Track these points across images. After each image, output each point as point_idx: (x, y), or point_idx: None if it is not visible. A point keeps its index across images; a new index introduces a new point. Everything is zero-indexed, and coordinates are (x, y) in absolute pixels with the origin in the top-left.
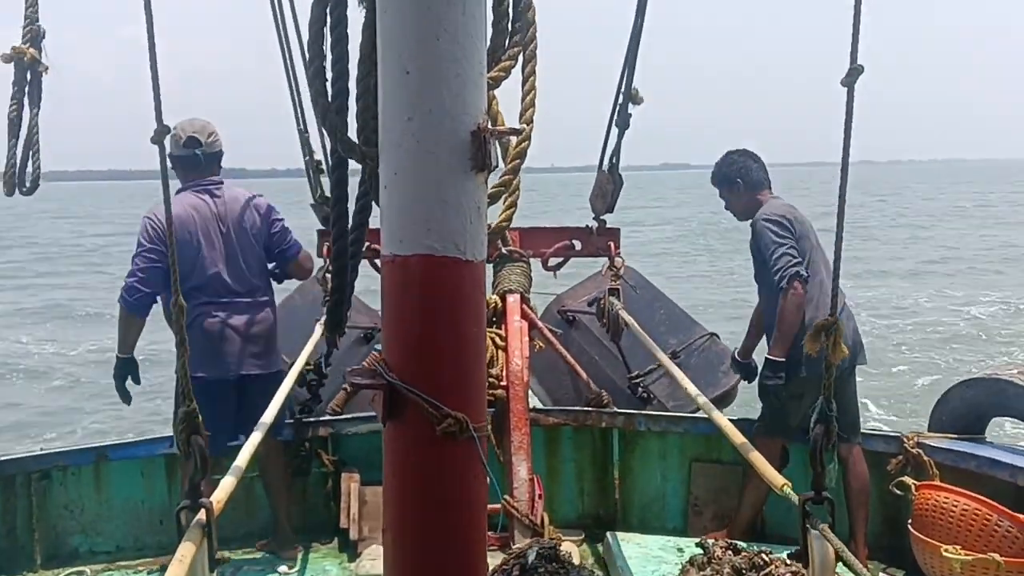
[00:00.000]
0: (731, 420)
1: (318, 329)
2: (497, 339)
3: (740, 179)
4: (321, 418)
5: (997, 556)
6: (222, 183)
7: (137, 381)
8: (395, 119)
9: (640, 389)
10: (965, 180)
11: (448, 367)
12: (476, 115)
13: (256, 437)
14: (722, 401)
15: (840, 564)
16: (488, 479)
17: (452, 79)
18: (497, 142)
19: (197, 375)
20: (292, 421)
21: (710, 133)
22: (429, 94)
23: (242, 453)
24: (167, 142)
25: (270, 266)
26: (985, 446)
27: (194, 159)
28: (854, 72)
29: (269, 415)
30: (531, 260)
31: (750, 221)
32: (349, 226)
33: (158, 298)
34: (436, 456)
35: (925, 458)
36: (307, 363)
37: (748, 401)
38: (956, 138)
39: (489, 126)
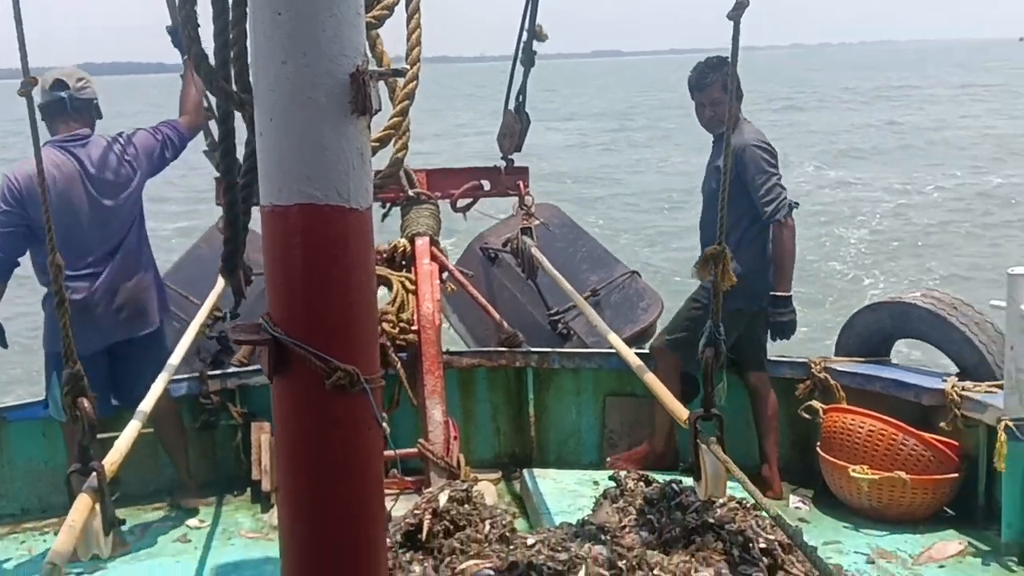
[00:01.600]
0: (639, 354)
1: (220, 281)
2: (407, 283)
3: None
4: (227, 370)
5: (903, 474)
6: (89, 136)
7: (4, 345)
8: (268, 63)
9: (560, 326)
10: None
11: (336, 320)
12: (354, 56)
13: (151, 395)
14: (641, 337)
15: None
16: (385, 430)
17: (327, 19)
18: (383, 84)
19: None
20: (197, 375)
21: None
22: (303, 36)
23: (137, 412)
24: (35, 93)
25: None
26: (890, 368)
27: (60, 104)
28: (740, 7)
29: (163, 372)
30: (440, 202)
31: (739, 144)
32: (239, 174)
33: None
34: (327, 411)
35: (832, 382)
36: (213, 314)
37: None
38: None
39: (370, 67)
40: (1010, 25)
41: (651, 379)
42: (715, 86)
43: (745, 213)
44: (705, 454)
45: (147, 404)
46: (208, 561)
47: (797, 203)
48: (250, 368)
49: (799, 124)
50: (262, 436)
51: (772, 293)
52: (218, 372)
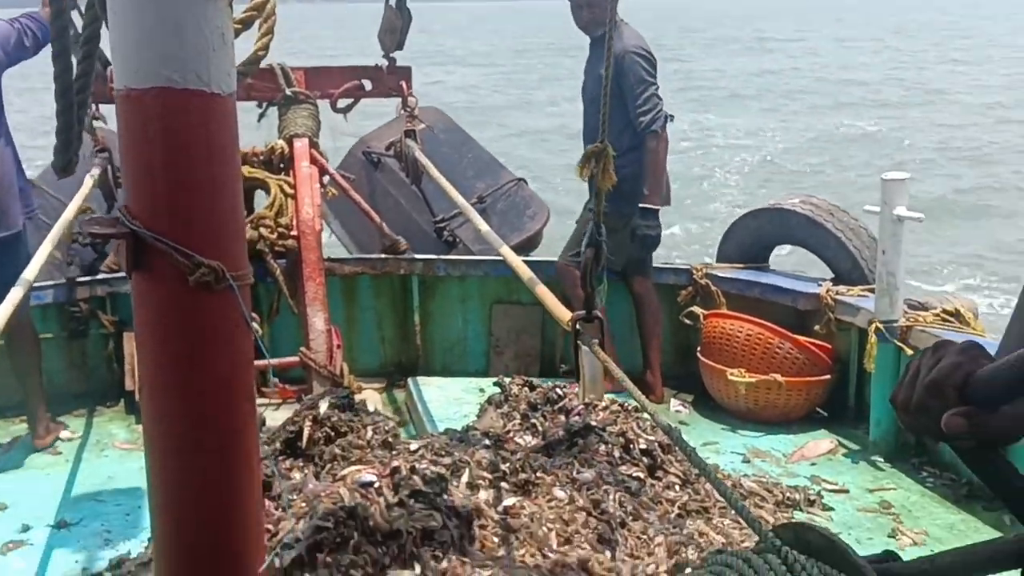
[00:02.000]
0: (526, 261)
1: (88, 182)
2: (285, 187)
3: None
4: (96, 277)
5: (779, 376)
6: None
7: None
8: None
9: (446, 233)
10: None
11: (198, 212)
12: None
13: (7, 304)
14: (528, 245)
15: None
16: (255, 331)
17: None
18: None
19: None
20: (64, 281)
21: None
22: None
23: None
24: None
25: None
26: (768, 274)
27: None
28: None
29: (20, 279)
30: (319, 102)
31: (619, 49)
32: (75, 60)
33: None
34: (190, 308)
35: (713, 288)
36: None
37: None
38: None
39: None
40: None
41: (538, 287)
42: None
43: (627, 118)
44: (585, 356)
45: (2, 313)
46: (80, 473)
47: (672, 116)
48: (121, 274)
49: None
50: (134, 345)
51: (640, 205)
52: (87, 279)
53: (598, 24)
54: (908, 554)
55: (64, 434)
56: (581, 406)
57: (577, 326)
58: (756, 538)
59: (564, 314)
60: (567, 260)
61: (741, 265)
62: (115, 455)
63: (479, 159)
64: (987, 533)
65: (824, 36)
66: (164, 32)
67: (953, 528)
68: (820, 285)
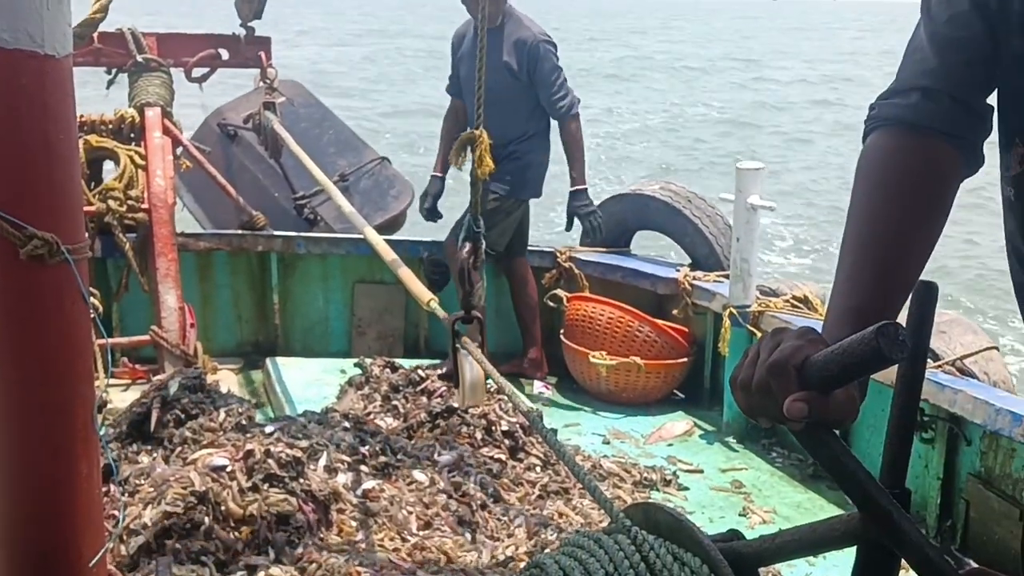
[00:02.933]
0: (388, 241)
1: None
2: (136, 157)
3: None
4: None
5: (638, 359)
6: None
7: None
8: None
9: (306, 211)
10: None
11: (31, 180)
12: None
13: None
14: (392, 225)
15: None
16: (94, 307)
17: None
18: None
19: None
20: None
21: None
22: None
23: None
24: None
25: None
26: (630, 258)
27: None
28: None
29: None
30: (173, 71)
31: (529, 38)
32: None
33: None
34: (22, 283)
35: (576, 271)
36: None
37: None
38: None
39: None
40: None
41: (400, 269)
42: None
43: (537, 107)
44: (464, 359)
45: None
46: None
47: (579, 98)
48: None
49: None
50: None
51: (572, 188)
52: None
53: (496, 14)
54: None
55: None
56: (444, 388)
57: (455, 327)
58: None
59: (424, 295)
60: (452, 238)
61: (604, 249)
62: None
63: (340, 136)
64: (832, 511)
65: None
66: None
67: (800, 506)
68: (678, 270)
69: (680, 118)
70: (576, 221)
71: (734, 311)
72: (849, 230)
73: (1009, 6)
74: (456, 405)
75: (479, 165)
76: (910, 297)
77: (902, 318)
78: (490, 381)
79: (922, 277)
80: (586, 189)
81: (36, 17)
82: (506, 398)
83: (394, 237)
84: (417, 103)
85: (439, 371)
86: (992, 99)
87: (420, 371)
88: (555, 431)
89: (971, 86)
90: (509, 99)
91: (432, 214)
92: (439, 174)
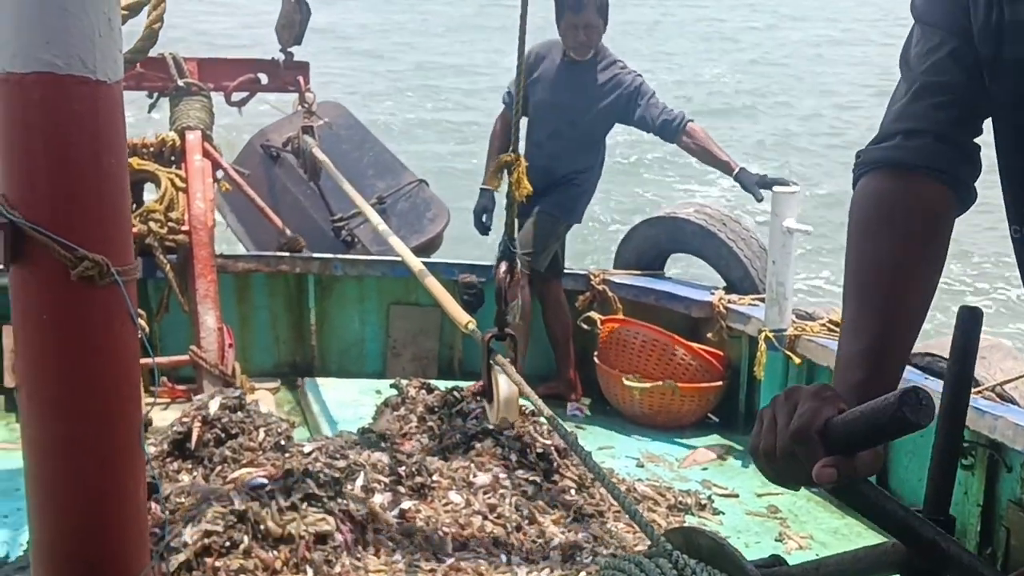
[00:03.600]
0: (425, 263)
1: None
2: (177, 180)
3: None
4: None
5: (673, 382)
6: None
7: None
8: None
9: (344, 232)
10: None
11: (83, 203)
12: None
13: None
14: (428, 248)
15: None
16: (142, 328)
17: None
18: None
19: None
20: None
21: None
22: None
23: None
24: None
25: None
26: (664, 281)
27: None
28: None
29: None
30: (213, 95)
31: (629, 79)
32: None
33: None
34: (73, 303)
35: (610, 294)
36: None
37: None
38: None
39: None
40: None
41: (437, 289)
42: (592, 8)
43: (603, 140)
44: (498, 375)
45: None
46: None
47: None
48: None
49: None
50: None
51: (735, 173)
52: None
53: (588, 48)
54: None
55: None
56: (479, 409)
57: (490, 345)
58: (649, 542)
59: (462, 317)
60: (536, 268)
61: (638, 272)
62: None
63: (380, 158)
64: (870, 537)
65: None
66: (47, 15)
67: (837, 532)
68: (713, 293)
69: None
70: (759, 192)
71: (770, 335)
72: (848, 275)
73: (990, 20)
74: (490, 425)
75: (517, 187)
76: (954, 323)
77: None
78: (525, 402)
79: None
80: (744, 167)
81: (89, 44)
82: (541, 420)
83: (429, 259)
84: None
85: (474, 387)
86: (981, 139)
87: (456, 392)
88: (589, 453)
89: (954, 124)
90: (586, 132)
91: (486, 229)
92: (488, 187)
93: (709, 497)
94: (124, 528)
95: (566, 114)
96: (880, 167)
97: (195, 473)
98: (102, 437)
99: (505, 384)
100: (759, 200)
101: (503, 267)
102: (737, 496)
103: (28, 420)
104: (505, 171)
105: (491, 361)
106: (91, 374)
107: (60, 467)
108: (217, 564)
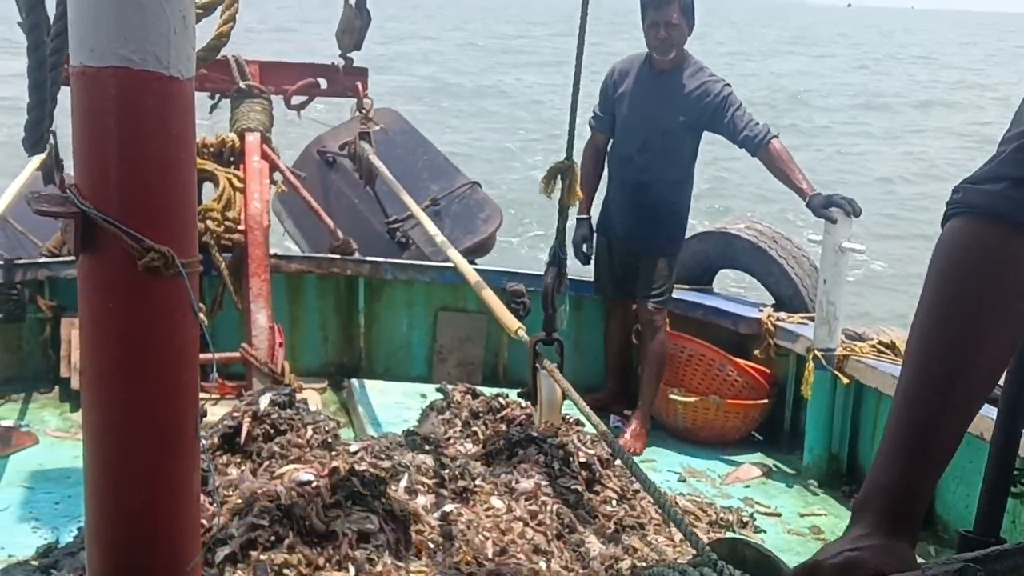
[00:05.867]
0: (476, 269)
1: (32, 163)
2: (235, 180)
3: (692, 15)
4: (36, 259)
5: (717, 398)
6: None
7: None
8: None
9: (398, 234)
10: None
11: (151, 196)
12: None
13: None
14: (480, 249)
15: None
16: (203, 322)
17: None
18: None
19: None
20: (2, 263)
21: None
22: None
23: None
24: None
25: None
26: (712, 296)
27: None
28: None
29: None
30: (273, 97)
31: (713, 87)
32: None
33: None
34: (138, 293)
35: None
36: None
37: None
38: None
39: None
40: None
41: (486, 294)
42: (674, 5)
43: (695, 153)
44: (543, 379)
45: None
46: (10, 460)
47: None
48: (61, 259)
49: None
50: (73, 332)
51: (808, 200)
52: (25, 261)
53: (671, 47)
54: None
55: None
56: (523, 416)
57: (536, 348)
58: (691, 556)
59: (512, 323)
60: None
61: (685, 286)
62: (47, 442)
63: (434, 162)
64: None
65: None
66: (125, 10)
67: None
68: (761, 310)
69: None
70: (830, 211)
71: (818, 354)
72: (915, 336)
73: None
74: (535, 432)
75: (569, 194)
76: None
77: None
78: (571, 410)
79: None
80: (818, 192)
81: (164, 41)
82: (584, 429)
83: (478, 266)
84: None
85: (519, 391)
86: None
87: (501, 399)
88: (636, 463)
89: None
90: (676, 142)
91: (587, 258)
92: (585, 215)
93: (751, 515)
94: (178, 517)
95: (655, 124)
96: (978, 212)
97: (243, 467)
98: (160, 425)
99: (549, 388)
100: (832, 222)
101: (551, 273)
102: (779, 515)
103: (88, 406)
104: (558, 177)
105: (537, 364)
106: (152, 363)
107: (118, 453)
108: (262, 558)
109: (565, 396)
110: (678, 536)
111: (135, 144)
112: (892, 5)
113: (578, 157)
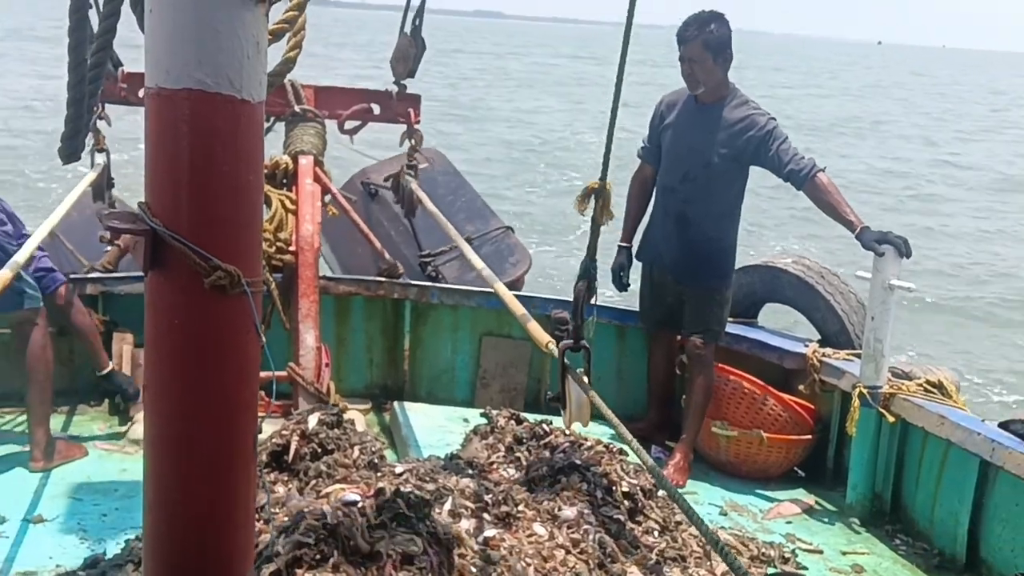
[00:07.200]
0: (519, 296)
1: (85, 178)
2: (288, 202)
3: (731, 50)
4: (90, 275)
5: (761, 432)
6: None
7: None
8: None
9: (429, 268)
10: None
11: (219, 216)
12: None
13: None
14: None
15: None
16: (262, 340)
17: None
18: None
19: None
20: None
21: None
22: None
23: None
24: None
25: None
26: (757, 330)
27: None
28: None
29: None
30: (327, 122)
31: (760, 120)
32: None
33: None
34: (203, 310)
35: None
36: None
37: None
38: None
39: None
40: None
41: (529, 323)
42: (697, 42)
43: (741, 187)
44: (571, 384)
45: None
46: (59, 470)
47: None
48: (116, 275)
49: None
50: (124, 346)
51: (856, 232)
52: (80, 276)
53: (696, 82)
54: None
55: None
56: (567, 444)
57: (564, 354)
58: None
59: (542, 336)
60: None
61: (731, 319)
62: (95, 455)
63: (472, 204)
64: None
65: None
66: (201, 35)
67: None
68: (807, 345)
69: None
70: (880, 247)
71: (864, 391)
72: None
73: None
74: (578, 460)
75: (602, 214)
76: None
77: None
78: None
79: None
80: (868, 226)
81: (237, 64)
82: (629, 459)
83: (522, 293)
84: None
85: (548, 395)
86: None
87: (544, 425)
88: (680, 494)
89: None
90: (719, 174)
91: (624, 286)
92: (626, 244)
93: (793, 551)
94: (233, 532)
95: (699, 156)
96: None
97: (290, 485)
98: (220, 440)
99: (577, 391)
100: (880, 255)
101: (581, 284)
102: (821, 552)
103: (151, 419)
104: (591, 197)
105: (565, 371)
106: (214, 379)
107: (178, 466)
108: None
109: (592, 403)
110: (719, 569)
111: (206, 165)
112: (922, 43)
113: (614, 180)
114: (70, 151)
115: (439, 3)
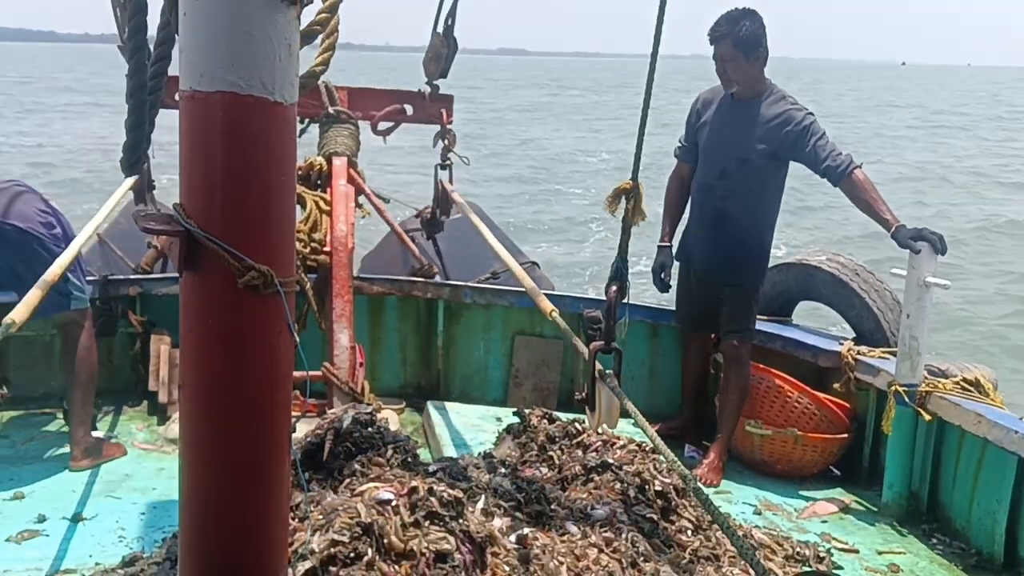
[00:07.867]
0: (550, 295)
1: (125, 183)
2: (322, 203)
3: (765, 47)
4: (128, 276)
5: (796, 431)
6: None
7: None
8: None
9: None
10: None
11: (252, 216)
12: None
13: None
14: None
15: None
16: (295, 339)
17: None
18: None
19: None
20: (97, 278)
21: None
22: None
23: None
24: None
25: None
26: (791, 328)
27: None
28: None
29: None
30: (360, 123)
31: (798, 115)
32: (150, 59)
33: None
34: (237, 310)
35: None
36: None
37: None
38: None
39: None
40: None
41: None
42: (727, 41)
43: (780, 185)
44: (601, 386)
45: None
46: (99, 469)
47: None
48: (153, 276)
49: None
50: (162, 347)
51: (892, 231)
52: (119, 277)
53: (750, 88)
54: None
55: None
56: (599, 443)
57: (595, 356)
58: None
59: (581, 345)
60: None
61: (764, 317)
62: (134, 454)
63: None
64: None
65: None
66: (234, 38)
67: None
68: (842, 344)
69: None
70: (917, 244)
71: (900, 389)
72: None
73: None
74: (610, 460)
75: (633, 214)
76: None
77: None
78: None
79: None
80: (903, 224)
81: (269, 67)
82: (662, 458)
83: (552, 292)
84: None
85: (578, 395)
86: None
87: (577, 424)
88: (708, 498)
89: None
90: (756, 170)
91: (666, 286)
92: (666, 244)
93: (828, 550)
94: (268, 530)
95: (735, 152)
96: None
97: (324, 484)
98: (254, 439)
99: (607, 393)
100: (916, 252)
101: (614, 287)
102: (857, 552)
103: (186, 419)
104: (623, 197)
105: (595, 372)
106: (249, 378)
107: (214, 465)
108: (341, 573)
109: (623, 406)
110: None
111: (239, 166)
112: (947, 63)
113: (645, 180)
114: (132, 161)
115: (464, 43)
